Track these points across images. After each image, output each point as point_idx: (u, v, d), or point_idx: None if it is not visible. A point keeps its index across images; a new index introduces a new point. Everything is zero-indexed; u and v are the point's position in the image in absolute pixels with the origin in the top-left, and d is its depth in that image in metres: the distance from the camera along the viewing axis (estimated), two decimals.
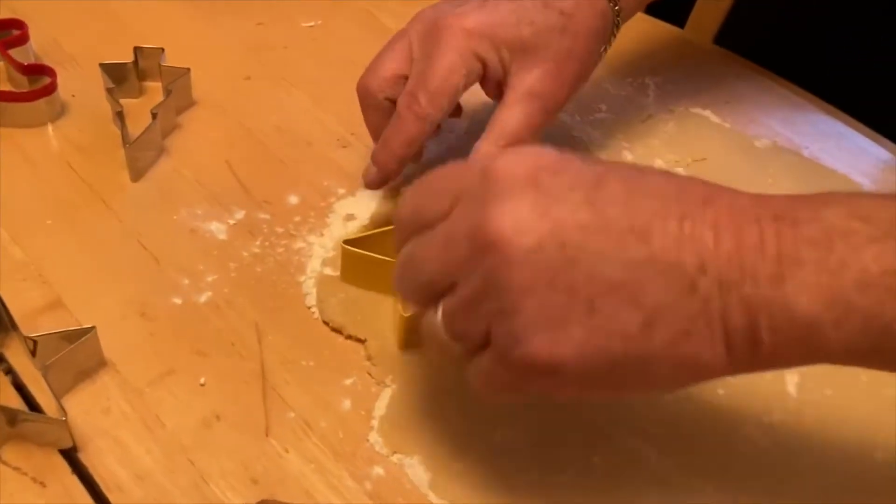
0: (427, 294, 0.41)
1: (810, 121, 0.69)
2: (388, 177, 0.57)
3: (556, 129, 0.65)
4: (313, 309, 0.53)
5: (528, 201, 0.37)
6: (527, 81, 0.53)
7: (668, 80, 0.70)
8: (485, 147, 0.54)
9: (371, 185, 0.57)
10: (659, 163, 0.63)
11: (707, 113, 0.68)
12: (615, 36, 0.57)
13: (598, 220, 0.36)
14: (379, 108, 0.56)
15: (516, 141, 0.53)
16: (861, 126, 0.68)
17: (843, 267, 0.35)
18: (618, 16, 0.56)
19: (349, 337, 0.52)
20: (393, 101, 0.55)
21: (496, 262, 0.37)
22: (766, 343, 0.36)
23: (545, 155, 0.39)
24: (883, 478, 0.48)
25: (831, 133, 0.68)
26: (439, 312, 0.40)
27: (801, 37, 0.79)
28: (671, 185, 0.38)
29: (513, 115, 0.53)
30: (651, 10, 0.68)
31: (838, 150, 0.67)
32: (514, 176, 0.37)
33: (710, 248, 0.36)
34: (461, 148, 0.61)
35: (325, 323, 0.53)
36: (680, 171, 0.63)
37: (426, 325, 0.42)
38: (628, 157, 0.64)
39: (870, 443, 0.49)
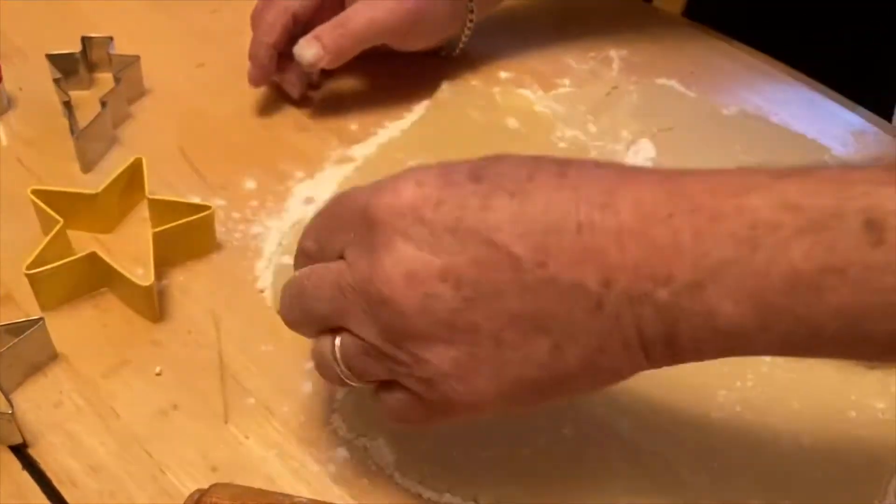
0: (319, 327, 0.39)
1: (779, 88, 0.68)
2: (262, 69, 0.61)
3: (519, 105, 0.64)
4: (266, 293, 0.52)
5: (412, 246, 0.35)
6: None
7: (633, 52, 0.69)
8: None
9: (250, 79, 0.61)
10: (624, 133, 0.62)
11: (672, 83, 0.67)
12: None
13: (488, 252, 0.34)
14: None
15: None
16: (831, 92, 0.67)
17: (770, 266, 0.32)
18: None
19: None
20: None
21: (391, 317, 0.35)
22: (687, 348, 0.34)
23: (424, 183, 0.36)
24: (858, 437, 0.46)
25: (801, 100, 0.67)
26: (336, 343, 0.38)
27: (772, 9, 0.78)
28: (565, 186, 0.35)
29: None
30: None
31: (808, 116, 0.65)
32: (396, 215, 0.35)
33: (615, 259, 0.33)
34: None
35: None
36: (645, 141, 0.62)
37: (318, 353, 0.39)
38: (592, 129, 0.62)
39: (844, 404, 0.48)
